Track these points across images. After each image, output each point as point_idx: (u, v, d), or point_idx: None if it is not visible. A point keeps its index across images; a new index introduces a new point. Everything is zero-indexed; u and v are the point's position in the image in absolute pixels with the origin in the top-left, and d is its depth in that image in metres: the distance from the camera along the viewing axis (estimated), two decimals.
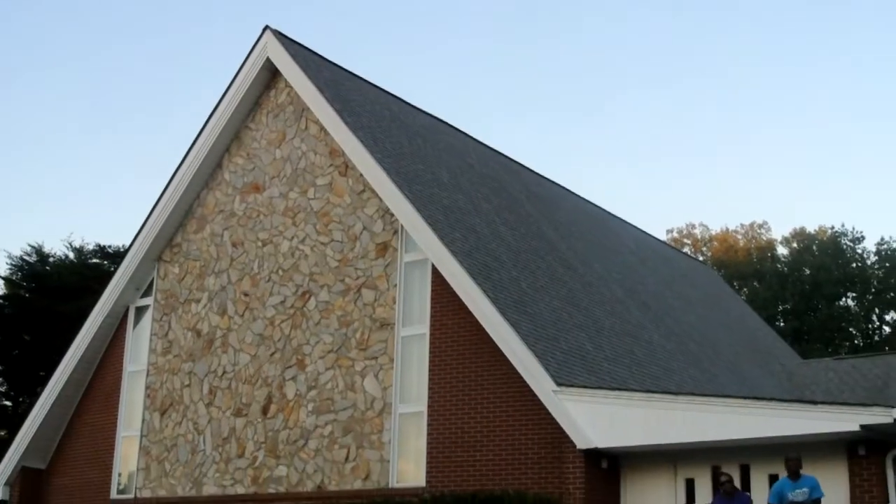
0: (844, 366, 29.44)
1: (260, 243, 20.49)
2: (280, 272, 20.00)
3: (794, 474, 13.43)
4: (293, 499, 18.16)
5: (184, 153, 21.51)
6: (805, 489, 13.34)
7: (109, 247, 40.06)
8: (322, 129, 20.00)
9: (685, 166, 79.09)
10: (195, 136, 21.44)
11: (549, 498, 15.17)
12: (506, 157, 26.58)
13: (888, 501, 14.62)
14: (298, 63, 20.33)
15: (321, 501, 16.98)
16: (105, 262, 39.45)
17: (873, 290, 52.01)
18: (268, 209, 20.56)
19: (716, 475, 14.49)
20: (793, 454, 13.57)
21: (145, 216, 21.81)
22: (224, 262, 20.90)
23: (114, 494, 21.27)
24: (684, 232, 57.62)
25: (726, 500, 13.95)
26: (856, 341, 52.15)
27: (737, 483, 15.38)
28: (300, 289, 19.63)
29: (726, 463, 15.77)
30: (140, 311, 22.16)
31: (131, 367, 21.89)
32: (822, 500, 13.45)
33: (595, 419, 15.81)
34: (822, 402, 15.87)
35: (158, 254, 21.92)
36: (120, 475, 21.40)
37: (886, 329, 52.97)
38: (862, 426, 14.14)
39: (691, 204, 79.69)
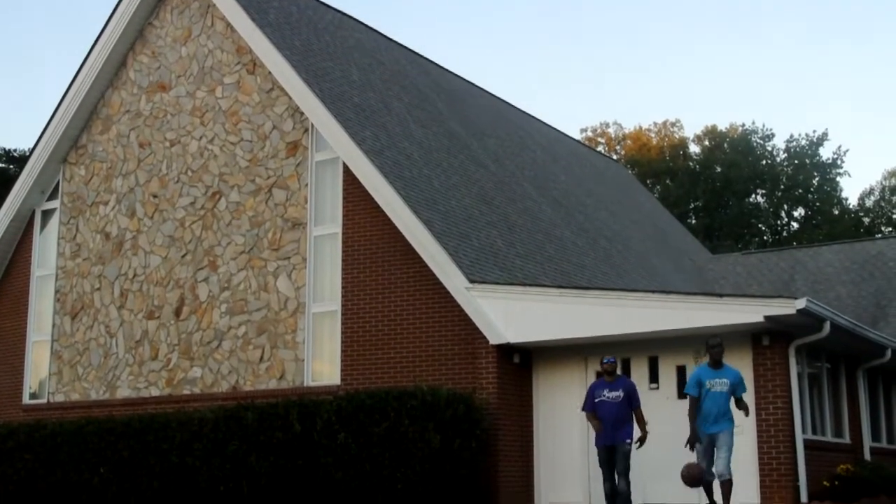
0: (752, 260, 30.07)
1: (168, 143, 20.12)
2: (189, 173, 19.71)
3: (716, 363, 12.52)
4: (208, 399, 18.15)
5: (86, 52, 20.97)
6: (725, 380, 12.42)
7: (14, 150, 39.20)
8: (228, 25, 19.57)
9: (599, 65, 79.23)
10: (98, 33, 20.87)
11: (462, 393, 15.37)
12: (416, 53, 26.28)
13: (790, 389, 15.07)
14: None
15: (236, 401, 16.98)
16: (11, 167, 38.63)
17: (782, 186, 52.93)
18: (175, 108, 20.17)
19: (601, 361, 13.75)
20: (715, 340, 12.65)
21: (48, 118, 21.29)
22: (132, 164, 20.52)
23: (26, 400, 21.07)
24: (598, 131, 57.85)
25: (608, 383, 13.55)
26: (765, 237, 53.21)
27: (644, 373, 15.74)
28: (210, 189, 19.38)
29: (636, 355, 16.09)
30: (46, 214, 21.73)
31: (39, 272, 21.53)
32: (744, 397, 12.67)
33: (507, 315, 15.98)
34: (728, 295, 16.21)
35: (64, 156, 21.43)
36: (31, 380, 21.18)
37: (794, 225, 54.10)
38: (766, 317, 14.48)
39: (605, 103, 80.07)
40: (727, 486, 12.09)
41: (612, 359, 13.62)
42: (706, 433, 12.32)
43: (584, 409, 13.82)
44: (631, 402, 13.50)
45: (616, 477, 13.39)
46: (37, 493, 17.91)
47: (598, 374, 14.40)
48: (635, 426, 13.59)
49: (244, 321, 18.48)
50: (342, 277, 17.65)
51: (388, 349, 17.01)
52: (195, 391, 18.75)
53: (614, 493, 13.41)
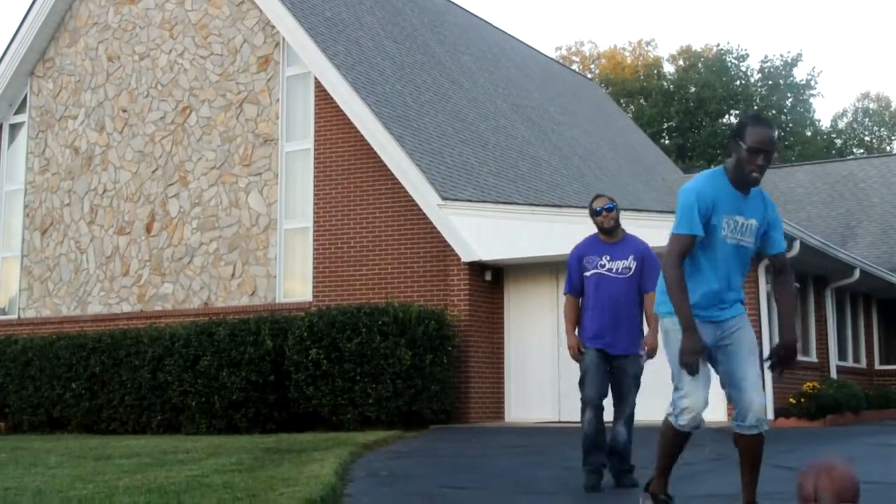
0: None
1: (137, 57, 19.84)
2: (159, 87, 19.47)
3: (742, 182, 5.59)
4: (180, 315, 18.15)
5: None
6: (753, 221, 5.67)
7: None
8: None
9: None
10: None
11: (433, 310, 15.42)
12: None
13: (759, 307, 15.21)
14: None
15: (208, 317, 16.98)
16: None
17: (755, 107, 52.84)
18: (144, 21, 19.85)
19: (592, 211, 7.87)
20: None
21: (14, 29, 20.92)
22: (100, 77, 20.24)
23: None
24: (573, 49, 57.52)
25: (607, 244, 7.84)
26: None
27: None
28: (180, 104, 19.17)
29: None
30: (14, 128, 21.45)
31: (8, 187, 21.31)
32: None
33: (479, 232, 16.00)
34: None
35: (31, 69, 21.09)
36: (1, 296, 21.08)
37: None
38: None
39: (581, 22, 79.47)
40: (759, 445, 5.57)
41: (612, 204, 7.83)
42: (709, 320, 5.66)
43: (568, 289, 7.93)
44: (646, 278, 7.60)
45: (617, 415, 7.73)
46: (8, 408, 17.93)
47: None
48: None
49: (215, 237, 18.42)
50: (314, 194, 17.58)
51: (360, 266, 17.01)
52: (167, 307, 18.73)
53: (600, 441, 7.60)
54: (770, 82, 52.50)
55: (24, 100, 21.24)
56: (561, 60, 51.83)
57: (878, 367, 22.52)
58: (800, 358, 17.64)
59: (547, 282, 16.55)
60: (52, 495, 7.34)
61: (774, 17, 74.97)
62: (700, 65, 53.92)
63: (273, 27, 18.16)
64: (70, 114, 20.51)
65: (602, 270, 7.69)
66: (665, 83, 54.48)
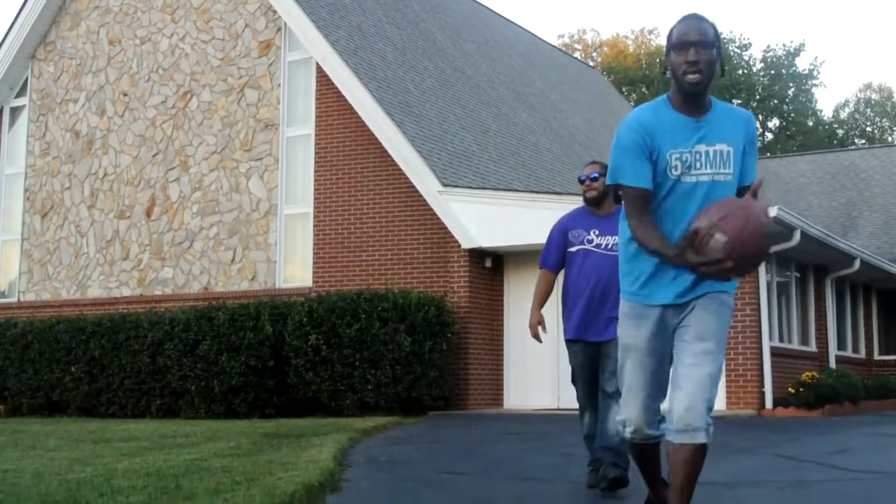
0: None
1: (138, 41, 19.80)
2: (160, 71, 19.43)
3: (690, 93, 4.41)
4: (180, 300, 18.15)
5: None
6: (725, 146, 4.40)
7: None
8: None
9: None
10: None
11: (433, 296, 15.42)
12: None
13: (759, 297, 15.21)
14: None
15: (208, 302, 16.98)
16: None
17: (758, 96, 52.84)
18: (145, 5, 19.80)
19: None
20: None
21: (16, 12, 20.88)
22: (101, 61, 20.20)
23: None
24: (575, 37, 57.41)
25: (595, 217, 6.95)
26: None
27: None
28: (181, 88, 19.13)
29: None
30: (15, 111, 21.41)
31: (9, 170, 21.29)
32: None
33: (480, 219, 15.99)
34: None
35: (32, 52, 21.05)
36: (1, 280, 21.07)
37: (769, 135, 54.15)
38: None
39: (583, 10, 79.29)
40: (692, 458, 4.22)
41: (597, 173, 6.87)
42: (672, 304, 4.43)
43: (543, 263, 7.20)
44: None
45: (606, 406, 6.70)
46: (7, 391, 17.94)
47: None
48: None
49: (216, 222, 18.41)
50: (315, 179, 17.57)
51: (361, 252, 17.01)
52: (167, 291, 18.73)
53: (596, 436, 6.89)
54: (772, 72, 52.42)
55: (25, 83, 21.20)
56: (563, 48, 51.73)
57: (877, 357, 22.54)
58: (799, 347, 17.64)
59: None
60: (50, 478, 7.34)
61: (777, 6, 74.89)
62: None
63: (275, 12, 18.12)
64: (71, 97, 20.47)
65: (589, 246, 6.83)
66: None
